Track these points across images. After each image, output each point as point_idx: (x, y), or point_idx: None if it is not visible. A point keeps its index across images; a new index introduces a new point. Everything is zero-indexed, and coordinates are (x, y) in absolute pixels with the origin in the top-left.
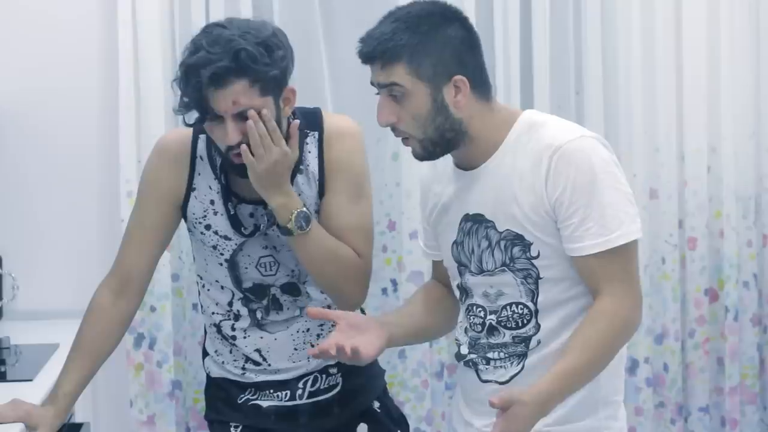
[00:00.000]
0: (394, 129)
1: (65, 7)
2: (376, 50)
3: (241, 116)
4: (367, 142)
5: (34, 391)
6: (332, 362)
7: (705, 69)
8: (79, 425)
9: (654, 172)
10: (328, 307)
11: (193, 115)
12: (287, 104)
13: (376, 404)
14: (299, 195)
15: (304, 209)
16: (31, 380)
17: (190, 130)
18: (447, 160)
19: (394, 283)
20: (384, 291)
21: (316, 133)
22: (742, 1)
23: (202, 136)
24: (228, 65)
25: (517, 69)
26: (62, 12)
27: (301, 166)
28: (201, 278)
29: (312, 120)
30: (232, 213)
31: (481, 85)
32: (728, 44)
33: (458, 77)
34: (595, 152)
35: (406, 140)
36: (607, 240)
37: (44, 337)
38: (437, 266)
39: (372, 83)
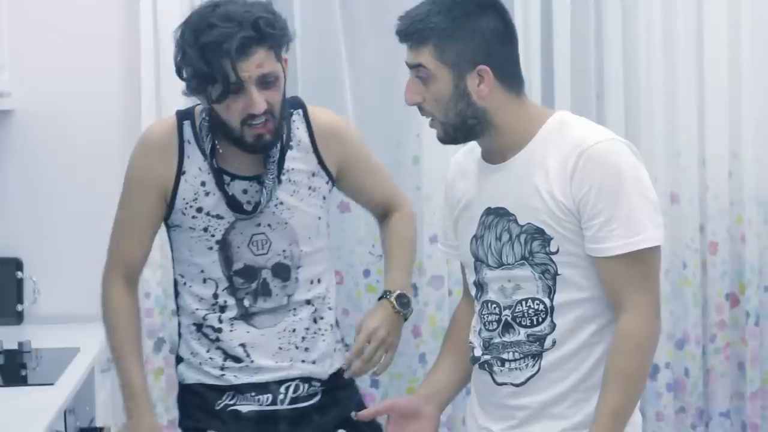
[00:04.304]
0: (420, 109)
1: (87, 10)
2: (408, 30)
3: (262, 83)
4: (387, 146)
5: (54, 395)
6: (317, 376)
7: (726, 73)
8: (100, 429)
9: (675, 177)
10: (321, 297)
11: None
12: (285, 71)
13: (353, 414)
14: (291, 170)
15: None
16: (52, 384)
17: (173, 118)
18: (473, 157)
19: (414, 287)
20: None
21: (300, 110)
22: (763, 5)
23: (187, 122)
24: (251, 35)
25: (538, 73)
26: (83, 15)
27: (291, 143)
28: (182, 276)
29: (294, 101)
30: (230, 194)
31: (510, 78)
32: (749, 48)
33: (482, 67)
34: (624, 156)
35: (431, 122)
36: (632, 242)
37: (65, 342)
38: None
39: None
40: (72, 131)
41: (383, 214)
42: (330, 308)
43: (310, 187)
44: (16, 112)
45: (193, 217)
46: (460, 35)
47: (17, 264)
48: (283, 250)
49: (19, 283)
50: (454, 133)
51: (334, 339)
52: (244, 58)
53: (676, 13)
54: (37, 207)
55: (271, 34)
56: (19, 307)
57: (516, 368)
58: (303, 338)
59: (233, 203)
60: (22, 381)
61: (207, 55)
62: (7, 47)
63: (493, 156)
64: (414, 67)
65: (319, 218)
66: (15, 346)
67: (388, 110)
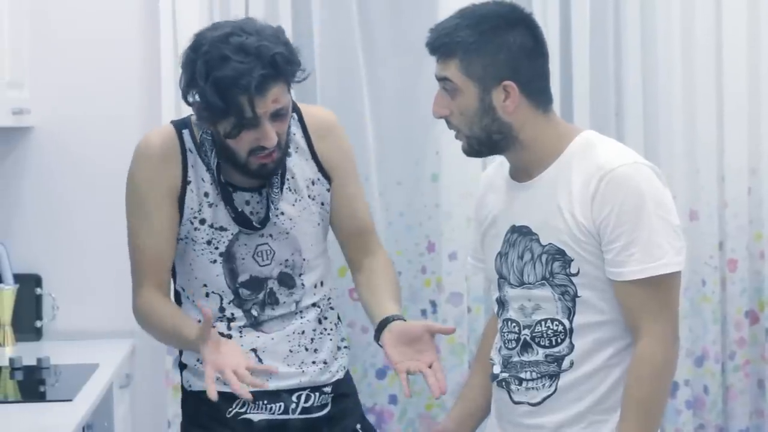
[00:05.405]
0: (447, 122)
1: (107, 29)
2: (435, 43)
3: (275, 117)
4: (406, 164)
5: (73, 411)
6: (327, 381)
7: (745, 89)
8: None
9: (694, 194)
10: (325, 297)
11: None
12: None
13: (358, 426)
14: (292, 179)
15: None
16: (70, 400)
17: (170, 127)
18: (503, 173)
19: (433, 304)
20: (423, 312)
21: (295, 114)
22: None
23: (186, 131)
24: (269, 72)
25: (557, 90)
26: (104, 35)
27: (290, 149)
28: (184, 289)
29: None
30: (239, 210)
31: (537, 94)
32: None
33: (508, 82)
34: (646, 180)
35: (457, 134)
36: (650, 267)
37: (84, 358)
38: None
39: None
40: (91, 148)
41: (356, 248)
42: (332, 308)
43: (310, 196)
44: (35, 129)
45: (196, 228)
46: (487, 50)
47: (36, 280)
48: (286, 260)
49: (38, 299)
50: (478, 147)
51: (339, 337)
52: (261, 95)
53: (694, 31)
54: (56, 223)
55: (289, 70)
56: (38, 323)
57: (533, 388)
58: (312, 339)
59: (241, 218)
60: (41, 397)
61: (222, 90)
62: (27, 65)
63: (520, 173)
64: (441, 80)
65: (318, 224)
66: (34, 362)
67: (407, 128)
